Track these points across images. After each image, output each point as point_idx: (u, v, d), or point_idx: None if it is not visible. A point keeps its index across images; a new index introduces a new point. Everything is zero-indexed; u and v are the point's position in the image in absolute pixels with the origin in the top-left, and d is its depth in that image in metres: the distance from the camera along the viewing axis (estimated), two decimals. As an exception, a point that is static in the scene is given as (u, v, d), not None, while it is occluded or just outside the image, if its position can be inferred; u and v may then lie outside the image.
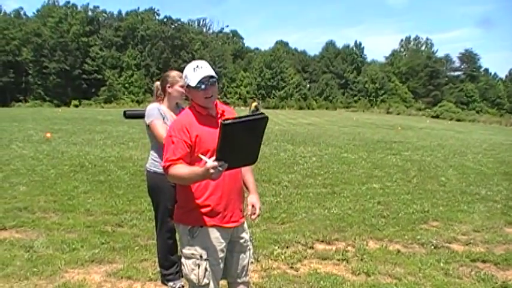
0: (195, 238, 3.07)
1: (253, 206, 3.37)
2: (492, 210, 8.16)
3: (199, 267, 3.05)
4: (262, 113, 2.66)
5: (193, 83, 3.00)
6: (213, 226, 3.07)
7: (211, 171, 2.60)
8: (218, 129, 2.54)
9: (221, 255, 3.13)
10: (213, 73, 3.04)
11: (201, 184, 3.02)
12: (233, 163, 2.71)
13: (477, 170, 13.20)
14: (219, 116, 3.15)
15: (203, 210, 3.05)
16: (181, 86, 4.22)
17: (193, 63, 3.09)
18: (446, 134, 31.28)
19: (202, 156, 2.77)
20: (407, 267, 5.24)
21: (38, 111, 43.63)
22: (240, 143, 2.63)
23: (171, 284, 4.54)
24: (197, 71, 3.02)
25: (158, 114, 4.39)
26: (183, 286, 4.47)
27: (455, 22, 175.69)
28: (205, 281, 3.06)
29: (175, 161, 2.91)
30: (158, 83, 4.59)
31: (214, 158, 2.61)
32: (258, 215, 3.42)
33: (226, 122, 2.52)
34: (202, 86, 3.00)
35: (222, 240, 3.12)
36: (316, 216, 7.29)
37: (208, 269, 3.06)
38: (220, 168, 2.61)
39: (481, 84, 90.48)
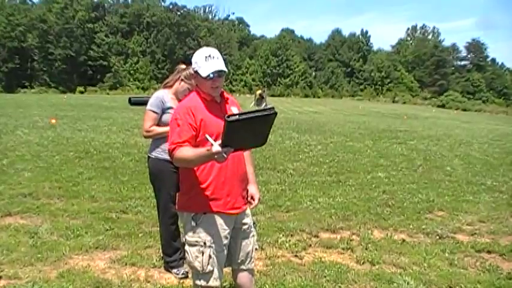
0: (198, 225, 3.06)
1: (252, 197, 3.35)
2: (498, 200, 8.13)
3: (203, 255, 3.04)
4: (271, 108, 2.61)
5: (203, 73, 2.99)
6: (216, 213, 3.07)
7: (216, 156, 2.63)
8: (223, 123, 2.53)
9: (225, 241, 3.13)
10: (224, 68, 3.03)
11: (204, 170, 3.02)
12: (240, 147, 2.73)
13: (483, 160, 13.15)
14: (224, 102, 3.18)
15: (206, 196, 3.04)
16: (191, 74, 4.18)
17: (205, 51, 3.06)
18: (452, 123, 31.18)
19: (208, 138, 2.78)
20: (412, 256, 5.23)
21: (44, 98, 43.67)
22: (246, 135, 2.62)
23: (174, 271, 4.54)
24: (209, 61, 2.99)
25: (156, 106, 4.41)
26: (186, 273, 4.47)
27: (463, 11, 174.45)
28: (209, 268, 3.06)
29: (181, 143, 2.90)
30: (184, 66, 4.53)
31: (219, 141, 2.61)
32: (256, 205, 3.40)
33: (230, 119, 2.48)
34: (211, 76, 2.98)
35: (226, 227, 3.12)
36: (321, 205, 7.27)
37: (212, 256, 3.06)
38: (224, 155, 2.63)
39: (487, 74, 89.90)
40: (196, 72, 3.06)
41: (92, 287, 4.19)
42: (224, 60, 3.08)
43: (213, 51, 3.06)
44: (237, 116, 2.51)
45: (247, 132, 2.60)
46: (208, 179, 3.04)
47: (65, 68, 69.46)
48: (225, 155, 2.64)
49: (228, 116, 2.50)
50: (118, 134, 15.38)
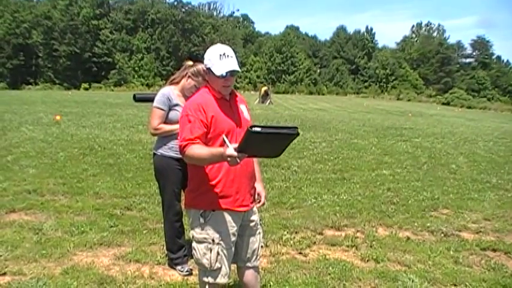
0: (207, 222, 3.05)
1: (258, 194, 3.35)
2: (503, 198, 8.09)
3: (211, 252, 3.04)
4: (294, 128, 2.58)
5: (217, 72, 2.96)
6: (225, 210, 3.06)
7: (229, 159, 2.63)
8: (245, 132, 2.52)
9: (233, 239, 3.12)
10: (238, 68, 3.00)
11: (214, 167, 3.00)
12: (254, 155, 2.77)
13: (488, 158, 13.10)
14: (233, 100, 3.19)
15: (215, 193, 3.03)
16: (203, 70, 4.14)
17: (220, 49, 3.02)
18: (457, 121, 31.05)
19: (225, 139, 2.78)
20: (416, 254, 5.21)
21: (48, 94, 43.79)
22: (264, 146, 2.62)
23: (179, 267, 4.54)
24: (224, 60, 2.96)
25: (163, 103, 4.38)
26: (191, 270, 4.47)
27: (466, 9, 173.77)
28: (217, 265, 3.06)
29: (193, 140, 2.87)
30: (191, 63, 4.50)
31: (235, 145, 2.61)
32: (263, 204, 3.40)
33: (253, 130, 2.46)
34: (224, 74, 2.96)
35: (234, 224, 3.11)
36: (325, 202, 7.26)
37: (221, 253, 3.06)
38: (237, 160, 2.62)
39: (492, 72, 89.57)
40: (208, 69, 3.03)
41: (96, 284, 4.19)
42: (237, 58, 3.06)
43: (228, 50, 3.03)
44: (260, 129, 2.48)
45: (265, 144, 2.60)
46: (218, 176, 3.02)
47: (70, 65, 69.51)
48: (238, 160, 2.63)
49: (251, 127, 2.47)
50: (122, 130, 15.38)
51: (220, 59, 2.96)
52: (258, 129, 2.47)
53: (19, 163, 9.20)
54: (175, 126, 4.19)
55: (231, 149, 2.61)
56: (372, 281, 4.47)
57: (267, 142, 2.58)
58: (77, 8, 71.85)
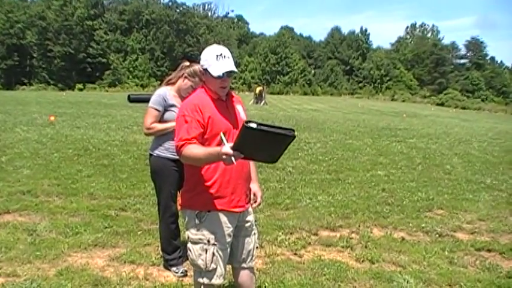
0: (202, 223, 3.05)
1: (254, 194, 3.34)
2: (497, 199, 8.12)
3: (206, 252, 3.04)
4: (291, 130, 2.56)
5: (214, 73, 2.94)
6: (220, 211, 3.05)
7: (224, 157, 2.61)
8: (240, 127, 2.51)
9: (228, 239, 3.12)
10: (235, 68, 2.99)
11: (210, 168, 3.00)
12: (250, 157, 2.73)
13: (482, 158, 13.14)
14: (230, 100, 3.18)
15: (211, 194, 3.02)
16: (199, 71, 4.13)
17: (217, 49, 3.01)
18: (451, 121, 31.13)
19: (222, 137, 2.77)
20: (411, 255, 5.22)
21: (42, 95, 43.59)
22: (259, 147, 2.60)
23: (174, 269, 4.53)
24: (221, 60, 2.95)
25: (159, 103, 4.36)
26: (186, 271, 4.46)
27: (461, 10, 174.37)
28: (213, 266, 3.06)
29: (190, 140, 2.86)
30: (188, 63, 4.48)
31: (231, 144, 2.59)
32: (259, 204, 3.41)
33: (248, 125, 2.45)
34: (221, 75, 2.95)
35: (230, 225, 3.10)
36: (320, 203, 7.26)
37: (216, 254, 3.06)
38: (233, 159, 2.60)
39: (487, 73, 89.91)
40: (205, 70, 3.02)
41: (90, 285, 4.17)
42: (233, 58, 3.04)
43: (225, 50, 3.01)
44: (255, 125, 2.46)
45: (261, 144, 2.58)
46: (214, 176, 3.02)
47: (64, 65, 69.34)
48: (234, 159, 2.61)
49: (247, 122, 2.46)
50: (117, 131, 15.33)
51: (217, 59, 2.95)
52: (254, 125, 2.46)
53: (13, 164, 9.16)
54: (168, 125, 4.21)
55: (227, 147, 2.60)
56: (367, 282, 4.47)
57: (263, 141, 2.56)
58: (71, 8, 71.65)
